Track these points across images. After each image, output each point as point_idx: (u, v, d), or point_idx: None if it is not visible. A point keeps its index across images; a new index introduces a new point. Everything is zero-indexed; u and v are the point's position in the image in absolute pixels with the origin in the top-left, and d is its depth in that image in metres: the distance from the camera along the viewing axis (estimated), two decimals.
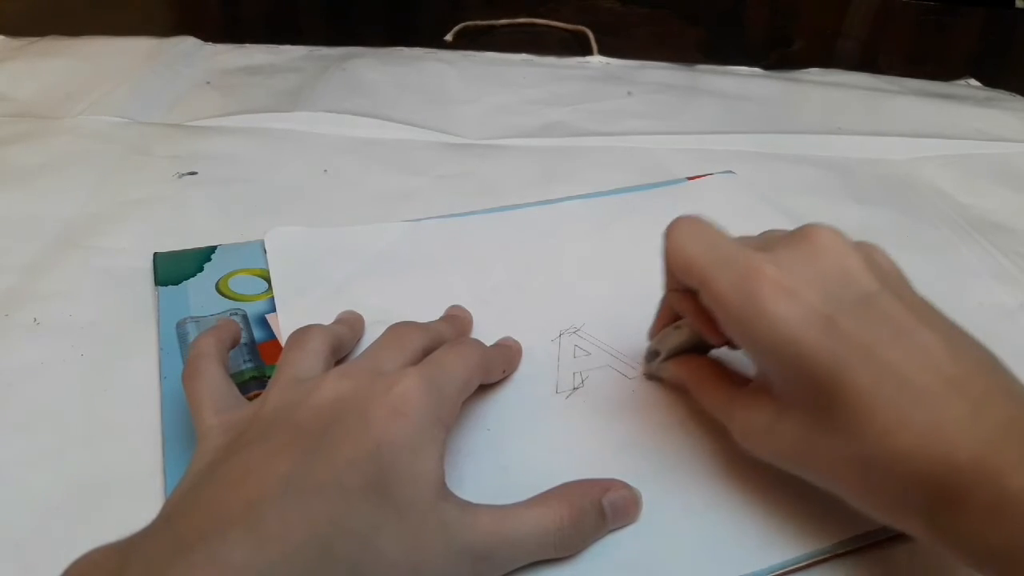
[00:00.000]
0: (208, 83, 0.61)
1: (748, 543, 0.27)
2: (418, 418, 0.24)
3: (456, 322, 0.34)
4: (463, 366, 0.27)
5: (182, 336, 0.34)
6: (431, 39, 0.72)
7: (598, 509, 0.26)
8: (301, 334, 0.29)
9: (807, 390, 0.24)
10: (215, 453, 0.24)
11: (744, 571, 0.26)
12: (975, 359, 0.23)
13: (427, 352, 0.28)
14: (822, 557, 0.26)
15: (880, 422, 0.22)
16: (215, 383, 0.28)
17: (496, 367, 0.32)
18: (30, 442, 0.30)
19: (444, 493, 0.24)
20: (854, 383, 0.23)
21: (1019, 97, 0.66)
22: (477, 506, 0.24)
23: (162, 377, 0.33)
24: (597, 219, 0.44)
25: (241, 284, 0.38)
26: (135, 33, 0.67)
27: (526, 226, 0.43)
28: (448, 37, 0.73)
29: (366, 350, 0.28)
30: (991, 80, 0.69)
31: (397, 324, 0.30)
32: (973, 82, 0.69)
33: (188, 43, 0.67)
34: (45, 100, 0.56)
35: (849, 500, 0.24)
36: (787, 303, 0.24)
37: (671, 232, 0.27)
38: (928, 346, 0.23)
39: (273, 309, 0.36)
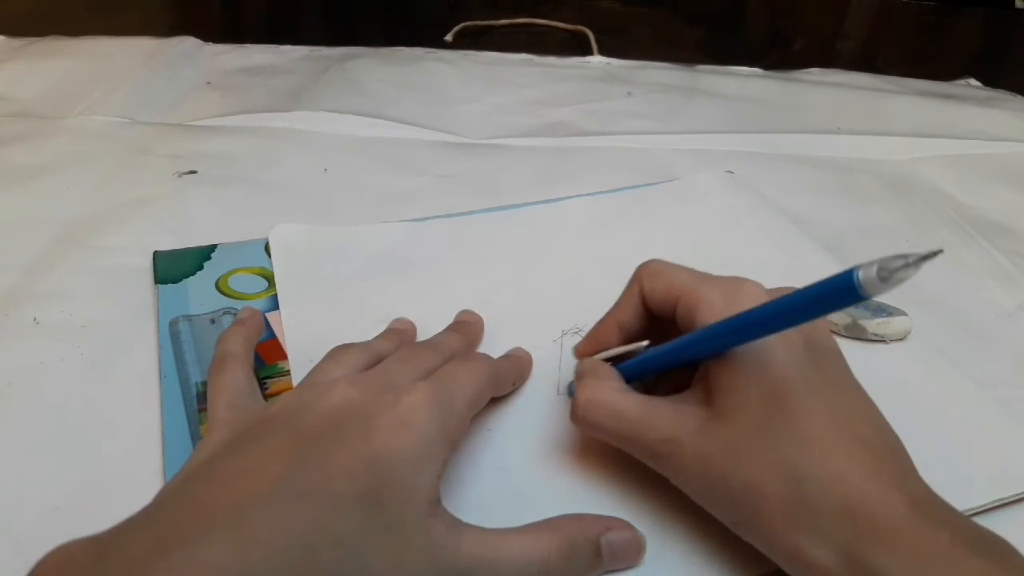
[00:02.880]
0: (208, 83, 0.61)
1: (749, 546, 0.27)
2: (423, 431, 0.23)
3: (466, 330, 0.34)
4: (473, 381, 0.27)
5: (175, 335, 0.34)
6: (431, 39, 0.72)
7: (594, 547, 0.25)
8: (340, 349, 0.29)
9: (762, 394, 0.24)
10: (215, 448, 0.24)
11: (745, 571, 0.26)
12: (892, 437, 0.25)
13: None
14: None
15: (826, 445, 0.23)
16: (236, 380, 0.28)
17: (506, 380, 0.31)
18: (30, 441, 0.30)
19: (436, 510, 0.23)
20: (808, 401, 0.24)
21: (1019, 97, 0.66)
22: (466, 526, 0.24)
23: (162, 375, 0.32)
24: (598, 218, 0.44)
25: (241, 282, 0.38)
26: (135, 33, 0.67)
27: (528, 225, 0.43)
28: (448, 37, 0.73)
29: (380, 364, 0.28)
30: (991, 80, 0.69)
31: (414, 344, 0.30)
32: (973, 82, 0.69)
33: (188, 43, 0.67)
34: (45, 100, 0.56)
35: (759, 519, 0.23)
36: None
37: (649, 264, 0.30)
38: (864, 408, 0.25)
39: (273, 308, 0.36)
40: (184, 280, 0.38)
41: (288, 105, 0.57)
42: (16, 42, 0.64)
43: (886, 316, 0.35)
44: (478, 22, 0.75)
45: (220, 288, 0.37)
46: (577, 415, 0.27)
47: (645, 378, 0.30)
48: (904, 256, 0.19)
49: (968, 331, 0.38)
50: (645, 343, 0.29)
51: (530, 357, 0.33)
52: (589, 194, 0.46)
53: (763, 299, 0.25)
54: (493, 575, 0.23)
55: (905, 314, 0.36)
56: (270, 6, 0.85)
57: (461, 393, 0.26)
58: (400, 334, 0.33)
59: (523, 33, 0.76)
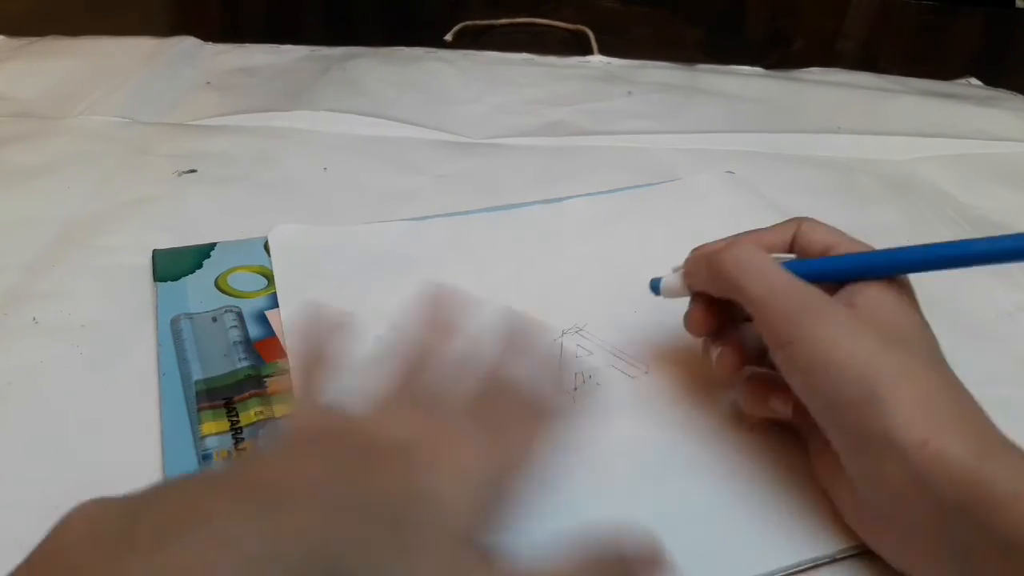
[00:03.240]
0: (208, 83, 0.61)
1: (751, 544, 0.27)
2: (469, 474, 0.23)
3: (519, 346, 0.30)
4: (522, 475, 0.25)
5: (176, 333, 0.34)
6: (431, 39, 0.72)
7: (623, 566, 0.24)
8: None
9: (909, 316, 0.27)
10: (282, 441, 0.24)
11: (747, 573, 0.26)
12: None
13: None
14: (826, 560, 0.26)
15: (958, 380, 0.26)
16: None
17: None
18: (30, 441, 0.30)
19: (469, 542, 0.22)
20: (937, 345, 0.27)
21: (1019, 96, 0.66)
22: (498, 560, 0.23)
23: (161, 374, 0.32)
24: (598, 218, 0.44)
25: (240, 281, 0.38)
26: (135, 33, 0.67)
27: (528, 225, 0.43)
28: (448, 37, 0.73)
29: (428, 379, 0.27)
30: (992, 79, 0.69)
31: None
32: (974, 81, 0.69)
33: (188, 43, 0.67)
34: (45, 100, 0.56)
35: (885, 405, 0.24)
36: None
37: (809, 218, 0.31)
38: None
39: (272, 306, 0.36)
40: (183, 278, 0.38)
41: (288, 105, 0.57)
42: (16, 42, 0.64)
43: None
44: (478, 22, 0.75)
45: (219, 286, 0.37)
46: (728, 259, 0.28)
47: None
48: None
49: (968, 331, 0.38)
50: (792, 255, 0.30)
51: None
52: (589, 194, 0.46)
53: None
54: None
55: None
56: (270, 6, 0.85)
57: (514, 440, 0.25)
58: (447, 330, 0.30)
59: (523, 33, 0.75)
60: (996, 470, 0.22)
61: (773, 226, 0.31)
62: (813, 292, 0.27)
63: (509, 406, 0.27)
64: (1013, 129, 0.58)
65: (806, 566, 0.26)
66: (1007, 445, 0.24)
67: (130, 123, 0.54)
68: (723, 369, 0.30)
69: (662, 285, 0.33)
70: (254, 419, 0.30)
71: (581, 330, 0.36)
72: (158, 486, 0.21)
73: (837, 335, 0.25)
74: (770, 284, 0.27)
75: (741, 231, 0.32)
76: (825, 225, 0.31)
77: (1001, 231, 0.46)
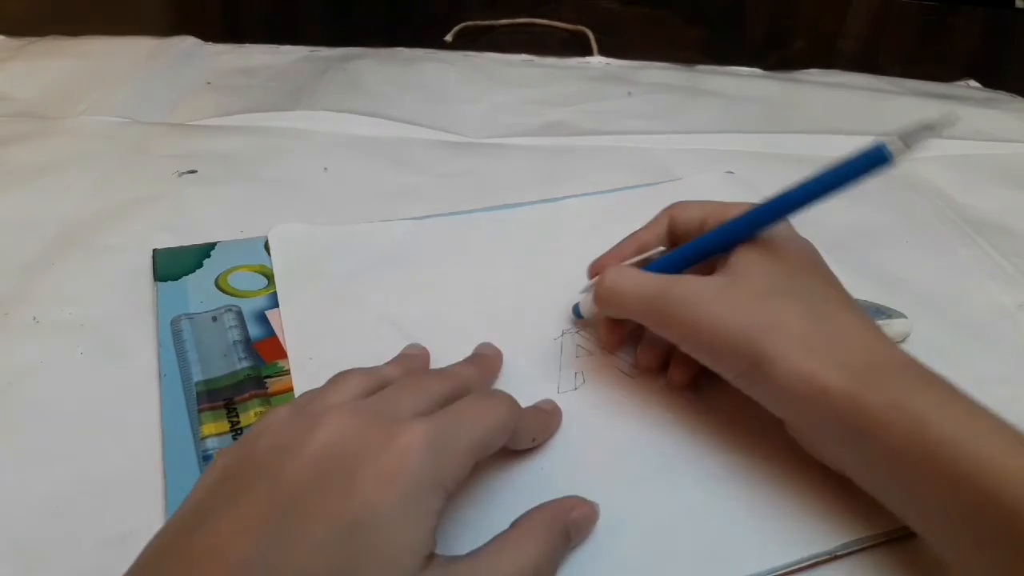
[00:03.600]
0: (208, 83, 0.61)
1: (748, 543, 0.27)
2: (412, 485, 0.22)
3: (484, 363, 0.32)
4: (483, 423, 0.25)
5: (176, 333, 0.34)
6: (431, 39, 0.72)
7: (564, 534, 0.26)
8: (342, 375, 0.27)
9: (784, 263, 0.29)
10: (198, 500, 0.23)
11: (744, 572, 0.26)
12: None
13: (449, 401, 0.25)
14: (823, 559, 0.26)
15: (843, 302, 0.29)
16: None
17: (526, 433, 0.29)
18: (30, 441, 0.30)
19: (426, 563, 0.22)
20: (824, 270, 0.30)
21: (1019, 98, 0.65)
22: (456, 564, 0.23)
23: (161, 374, 0.32)
24: (598, 218, 0.44)
25: (240, 280, 0.38)
26: (135, 33, 0.67)
27: (529, 224, 0.43)
28: (448, 37, 0.73)
29: (381, 391, 0.26)
30: (991, 80, 0.69)
31: (422, 372, 0.30)
32: (973, 83, 0.69)
33: (188, 43, 0.67)
34: (45, 100, 0.56)
35: (779, 354, 0.26)
36: None
37: (678, 202, 0.34)
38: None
39: (272, 305, 0.36)
40: (184, 278, 0.38)
41: (288, 105, 0.57)
42: (16, 42, 0.64)
43: (886, 318, 0.35)
44: (478, 22, 0.75)
45: (220, 286, 0.37)
46: (603, 290, 0.31)
47: None
48: (924, 124, 0.24)
49: (968, 331, 0.38)
50: (661, 248, 0.33)
51: (559, 412, 0.31)
52: (589, 194, 0.46)
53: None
54: None
55: (905, 317, 0.36)
56: (270, 7, 0.85)
57: (466, 435, 0.24)
58: (410, 360, 0.32)
59: (523, 33, 0.75)
60: (873, 395, 0.25)
61: (649, 222, 0.34)
62: (680, 286, 0.29)
63: (455, 385, 0.27)
64: (1013, 130, 0.58)
65: (807, 563, 0.26)
66: (889, 367, 0.26)
67: (130, 123, 0.54)
68: (647, 370, 0.33)
69: (581, 309, 0.35)
70: (254, 420, 0.30)
71: (581, 330, 0.36)
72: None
73: (711, 314, 0.28)
74: (641, 297, 0.30)
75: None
76: (695, 202, 0.33)
77: (1001, 232, 0.46)
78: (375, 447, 0.22)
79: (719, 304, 0.28)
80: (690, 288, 0.29)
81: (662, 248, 0.33)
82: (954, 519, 0.23)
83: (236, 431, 0.30)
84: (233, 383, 0.32)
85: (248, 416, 0.31)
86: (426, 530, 0.22)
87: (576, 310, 0.35)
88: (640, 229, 0.34)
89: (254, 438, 0.24)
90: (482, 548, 0.24)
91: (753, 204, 0.29)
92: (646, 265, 0.32)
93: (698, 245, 0.31)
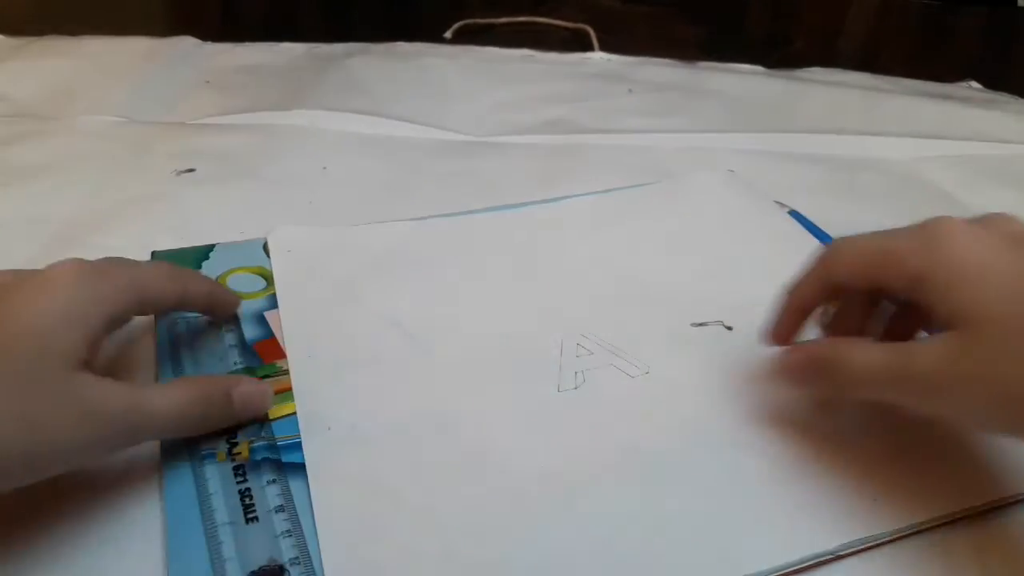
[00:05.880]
0: (207, 82, 0.60)
1: (749, 543, 0.26)
2: (65, 294, 0.25)
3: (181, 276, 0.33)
4: (151, 271, 0.30)
5: (172, 336, 0.34)
6: (431, 37, 0.72)
7: (225, 397, 0.29)
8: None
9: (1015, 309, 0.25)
10: None
11: (744, 571, 0.25)
12: None
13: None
14: (825, 558, 0.26)
15: None
16: None
17: (169, 289, 0.31)
18: None
19: (82, 367, 0.25)
20: None
21: (1020, 99, 0.65)
22: (116, 383, 0.26)
23: (158, 376, 0.32)
24: (599, 217, 0.44)
25: (239, 282, 0.38)
26: (134, 33, 0.67)
27: (529, 224, 0.43)
28: (448, 35, 0.73)
29: None
30: (992, 79, 0.69)
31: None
32: (974, 84, 0.69)
33: (187, 43, 0.66)
34: (44, 100, 0.56)
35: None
36: None
37: (832, 245, 0.30)
38: None
39: (271, 307, 0.36)
40: None
41: (287, 103, 0.56)
42: (15, 41, 0.64)
43: None
44: (478, 20, 0.75)
45: None
46: (841, 378, 0.27)
47: None
48: None
49: None
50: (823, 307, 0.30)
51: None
52: (589, 193, 0.46)
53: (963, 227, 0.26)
54: (146, 424, 0.26)
55: None
56: (268, 5, 0.85)
57: (127, 271, 0.28)
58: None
59: (523, 32, 0.75)
60: None
61: (803, 275, 0.30)
62: (919, 350, 0.26)
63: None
64: (1014, 131, 0.58)
65: (808, 563, 0.26)
66: None
67: (129, 122, 0.54)
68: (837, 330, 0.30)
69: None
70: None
71: (581, 332, 0.36)
72: None
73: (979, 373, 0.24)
74: (877, 378, 0.26)
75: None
76: (845, 244, 0.29)
77: None
78: (29, 276, 0.26)
79: (972, 361, 0.24)
80: (928, 352, 0.25)
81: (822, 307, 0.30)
82: None
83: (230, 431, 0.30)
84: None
85: None
86: (82, 334, 0.25)
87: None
88: (795, 288, 0.30)
89: None
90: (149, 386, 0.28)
91: None
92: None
93: None
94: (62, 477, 0.27)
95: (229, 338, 0.34)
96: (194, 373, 0.32)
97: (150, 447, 0.29)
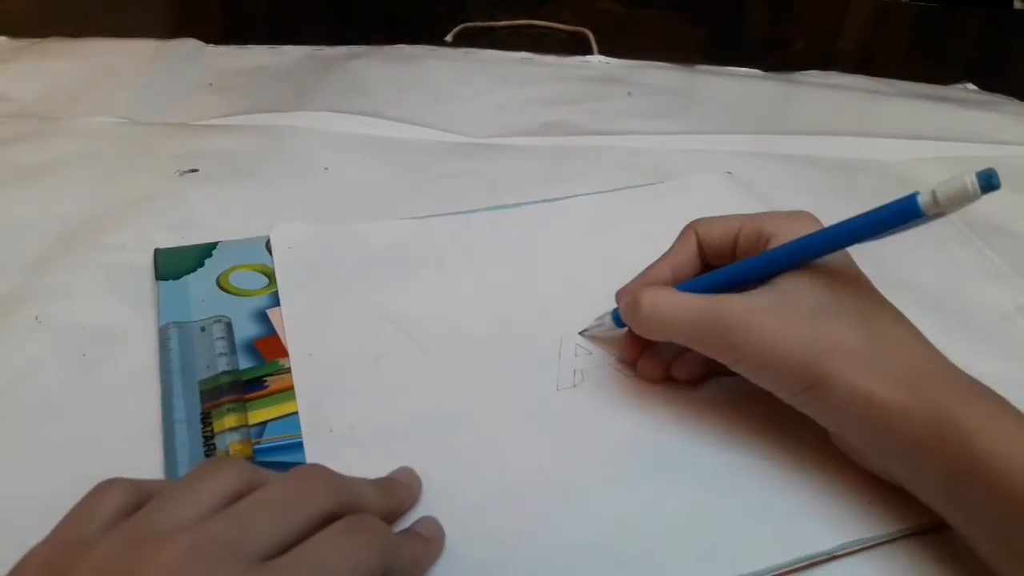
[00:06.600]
0: (210, 84, 0.61)
1: (746, 542, 0.27)
2: None
3: (394, 489, 0.27)
4: (349, 563, 0.20)
5: (163, 342, 0.34)
6: (432, 40, 0.72)
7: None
8: (94, 493, 0.22)
9: (834, 279, 0.29)
10: None
11: (742, 571, 0.26)
12: None
13: (329, 521, 0.21)
14: (821, 559, 0.26)
15: (894, 315, 0.29)
16: None
17: (405, 556, 0.24)
18: (30, 440, 0.30)
19: None
20: (873, 287, 0.30)
21: (1017, 101, 0.65)
22: None
23: (164, 372, 0.33)
24: (598, 218, 0.44)
25: (242, 279, 0.38)
26: (137, 35, 0.67)
27: (529, 224, 0.43)
28: (448, 38, 0.73)
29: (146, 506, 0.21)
30: (989, 81, 0.69)
31: (304, 468, 0.25)
32: (971, 86, 0.69)
33: (190, 45, 0.67)
34: (47, 101, 0.56)
35: (837, 372, 0.26)
36: None
37: (698, 220, 0.33)
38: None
39: (273, 304, 0.36)
40: (185, 277, 0.38)
41: (290, 105, 0.57)
42: (18, 43, 0.64)
43: None
44: (478, 23, 0.75)
45: (221, 285, 0.37)
46: (644, 314, 0.30)
47: None
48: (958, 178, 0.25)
49: (967, 332, 0.38)
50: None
51: (441, 535, 0.26)
52: (589, 194, 0.46)
53: (818, 224, 0.30)
54: None
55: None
56: (271, 7, 0.85)
57: (378, 531, 0.22)
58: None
59: (523, 35, 0.76)
60: (924, 408, 0.25)
61: (674, 244, 0.33)
62: (731, 307, 0.28)
63: (345, 508, 0.23)
64: (1011, 133, 0.58)
65: (805, 563, 0.26)
66: (940, 379, 0.26)
67: (131, 123, 0.54)
68: (649, 380, 0.33)
69: (592, 331, 0.35)
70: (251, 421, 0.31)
71: (580, 329, 0.36)
72: None
73: (767, 338, 0.27)
74: (688, 320, 0.29)
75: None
76: (718, 218, 0.32)
77: (1001, 234, 0.46)
78: None
79: (774, 326, 0.27)
80: (743, 310, 0.28)
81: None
82: (1005, 533, 0.23)
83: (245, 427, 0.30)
84: (211, 387, 0.32)
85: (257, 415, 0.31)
86: None
87: (616, 318, 0.33)
88: (667, 253, 0.33)
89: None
90: None
91: (801, 238, 0.29)
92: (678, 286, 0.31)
93: (747, 269, 0.30)
94: (65, 482, 0.27)
95: (220, 346, 0.34)
96: (179, 384, 0.32)
97: (153, 444, 0.30)
